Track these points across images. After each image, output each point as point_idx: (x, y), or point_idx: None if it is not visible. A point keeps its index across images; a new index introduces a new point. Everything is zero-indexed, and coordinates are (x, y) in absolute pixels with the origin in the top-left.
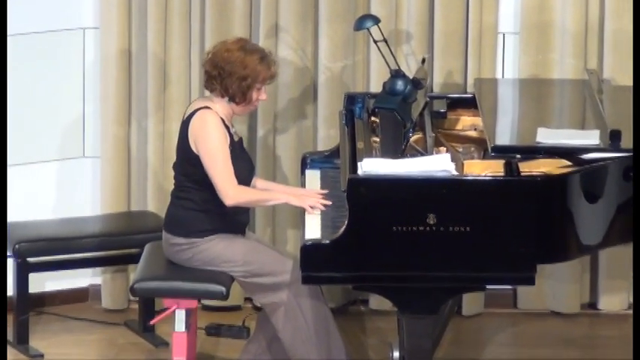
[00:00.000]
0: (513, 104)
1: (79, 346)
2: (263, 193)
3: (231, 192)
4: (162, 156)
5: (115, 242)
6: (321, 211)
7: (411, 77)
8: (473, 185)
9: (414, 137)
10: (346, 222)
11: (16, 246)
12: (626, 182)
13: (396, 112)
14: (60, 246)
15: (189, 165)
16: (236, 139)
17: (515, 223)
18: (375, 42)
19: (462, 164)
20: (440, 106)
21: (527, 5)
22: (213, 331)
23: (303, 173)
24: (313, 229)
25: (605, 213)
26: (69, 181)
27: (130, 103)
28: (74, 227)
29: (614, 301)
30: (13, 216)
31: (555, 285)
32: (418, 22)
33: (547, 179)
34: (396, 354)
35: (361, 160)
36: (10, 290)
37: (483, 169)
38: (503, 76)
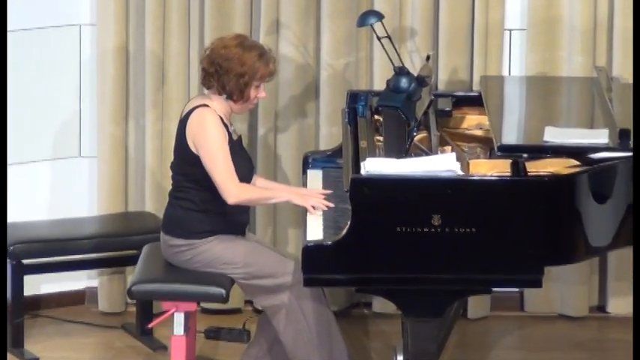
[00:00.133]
0: (520, 102)
1: (76, 350)
2: (265, 191)
3: (233, 190)
4: (160, 155)
5: (112, 244)
6: (324, 212)
7: (415, 75)
8: (479, 185)
9: (418, 136)
10: (349, 223)
11: (11, 247)
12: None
13: (400, 110)
14: (56, 247)
15: (187, 164)
16: (235, 137)
17: (522, 224)
18: (379, 38)
19: (468, 164)
20: (445, 105)
21: (534, 1)
22: (213, 334)
23: (304, 173)
24: (315, 230)
25: (614, 214)
26: (65, 181)
27: (128, 102)
28: (70, 228)
29: (623, 303)
30: (7, 217)
31: (563, 287)
32: (423, 18)
33: (555, 179)
34: (400, 358)
35: (364, 160)
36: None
37: (489, 169)
38: (509, 74)
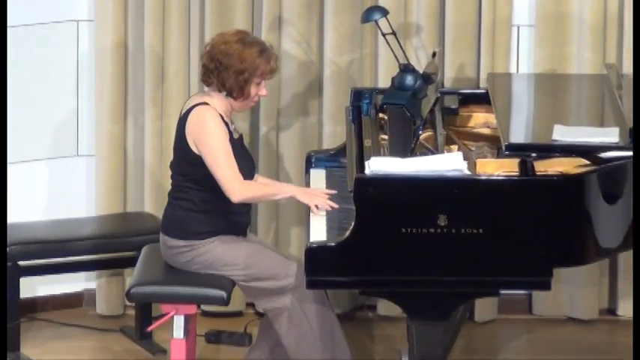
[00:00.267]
0: (528, 100)
1: (73, 354)
2: (270, 187)
3: (237, 188)
4: (159, 154)
5: (111, 245)
6: (327, 212)
7: (421, 72)
8: (486, 185)
9: (424, 135)
10: (353, 223)
11: (7, 249)
12: None
13: (405, 108)
14: (53, 249)
15: (187, 164)
16: (236, 136)
17: (531, 224)
18: (384, 35)
19: (475, 163)
20: (451, 102)
21: None
22: (214, 338)
23: (307, 172)
24: (318, 231)
25: (625, 214)
26: (62, 180)
27: (126, 99)
28: (67, 229)
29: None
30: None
31: (572, 290)
32: (428, 14)
33: (564, 179)
34: None
35: (369, 159)
36: None
37: (497, 169)
38: (517, 71)
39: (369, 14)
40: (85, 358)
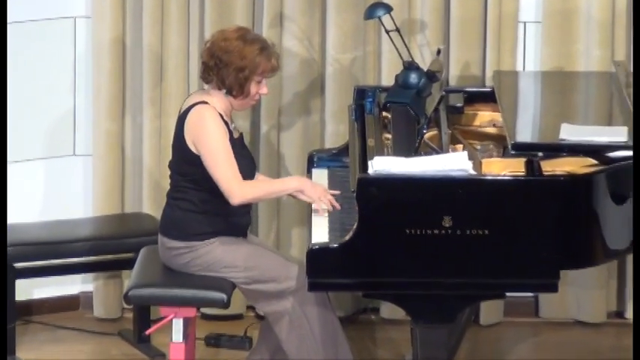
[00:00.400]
0: (535, 98)
1: (70, 358)
2: (271, 183)
3: (236, 190)
4: (158, 154)
5: (108, 246)
6: (329, 213)
7: (425, 69)
8: (492, 185)
9: (428, 134)
10: (356, 224)
11: (7, 249)
12: None
13: (409, 106)
14: (49, 250)
15: (185, 164)
16: (236, 135)
17: (537, 226)
18: (387, 32)
19: (480, 163)
20: (456, 101)
21: None
22: (213, 341)
23: (309, 172)
24: (320, 232)
25: (634, 215)
26: (58, 180)
27: (124, 97)
28: (64, 230)
29: None
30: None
31: (580, 292)
32: (433, 11)
33: (571, 179)
34: None
35: (372, 159)
36: None
37: (503, 168)
38: (524, 69)
39: (372, 11)
40: None
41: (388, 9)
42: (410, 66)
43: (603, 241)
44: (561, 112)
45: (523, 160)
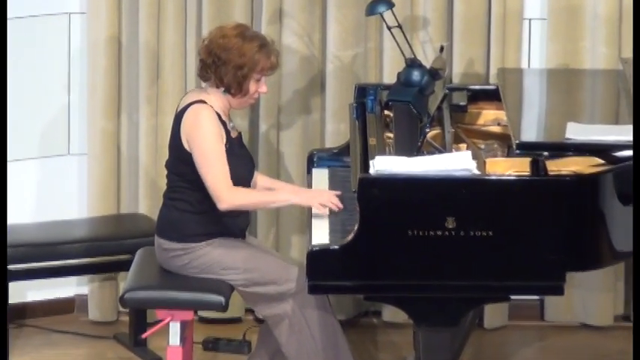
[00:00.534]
0: (540, 97)
1: None
2: (263, 194)
3: (224, 194)
4: (154, 153)
5: (104, 248)
6: (330, 214)
7: (428, 67)
8: (496, 186)
9: (431, 133)
10: (357, 226)
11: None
12: None
13: (411, 105)
14: (43, 252)
15: (182, 163)
16: (234, 135)
17: (543, 227)
18: (389, 28)
19: (484, 162)
20: (460, 99)
21: None
22: (211, 345)
23: (309, 172)
24: (321, 234)
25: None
26: (52, 180)
27: (120, 95)
28: (58, 231)
29: None
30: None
31: (586, 295)
32: (436, 7)
33: (577, 179)
34: None
35: (373, 158)
36: None
37: (507, 168)
38: (529, 66)
39: (373, 7)
40: None
41: (390, 5)
42: (412, 63)
43: (610, 243)
44: (567, 111)
45: (528, 159)
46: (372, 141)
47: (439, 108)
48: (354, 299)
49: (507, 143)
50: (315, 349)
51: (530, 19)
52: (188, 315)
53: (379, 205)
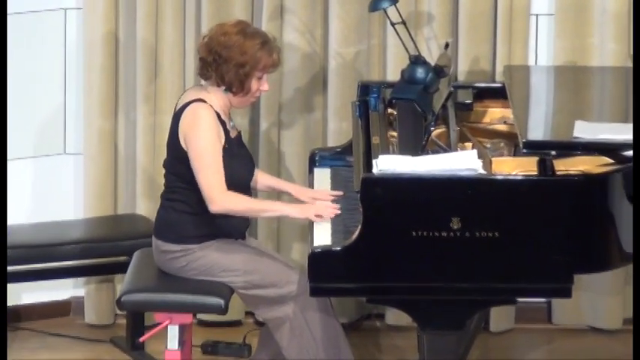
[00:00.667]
0: (548, 94)
1: None
2: (256, 201)
3: (217, 197)
4: (152, 153)
5: (100, 249)
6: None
7: (432, 64)
8: (502, 185)
9: (436, 131)
10: (360, 226)
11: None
12: None
13: (415, 103)
14: (38, 254)
15: (180, 163)
16: (233, 134)
17: (550, 228)
18: (393, 24)
19: (490, 162)
20: (465, 97)
21: None
22: (210, 349)
23: (311, 172)
24: (323, 235)
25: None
26: (48, 180)
27: (117, 94)
28: (54, 232)
29: None
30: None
31: (595, 298)
32: (441, 2)
33: (585, 179)
34: None
35: (377, 158)
36: None
37: (514, 168)
38: (536, 63)
39: (377, 2)
40: None
41: (394, 0)
42: (416, 60)
43: (619, 244)
44: (575, 109)
45: (535, 159)
46: (375, 140)
47: (444, 106)
48: (356, 302)
49: (514, 142)
50: (317, 353)
51: (537, 15)
52: (187, 318)
53: (383, 206)
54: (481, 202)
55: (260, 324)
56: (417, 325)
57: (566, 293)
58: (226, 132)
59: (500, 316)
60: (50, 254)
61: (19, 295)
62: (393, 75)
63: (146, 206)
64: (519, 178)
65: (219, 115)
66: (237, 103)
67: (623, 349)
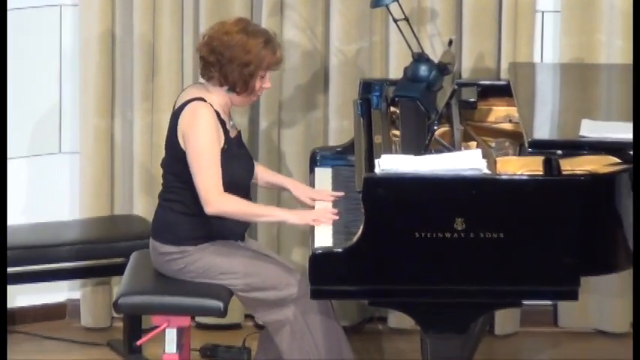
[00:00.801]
0: (553, 92)
1: None
2: (253, 205)
3: (213, 198)
4: (150, 152)
5: (96, 251)
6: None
7: (436, 61)
8: (507, 186)
9: (439, 130)
10: (361, 227)
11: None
12: None
13: (418, 101)
14: (33, 255)
15: (178, 163)
16: (233, 134)
17: (556, 229)
18: (395, 21)
19: (495, 161)
20: (469, 95)
21: None
22: (209, 352)
23: (312, 171)
24: (324, 236)
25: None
26: (43, 180)
27: (114, 92)
28: (49, 233)
29: None
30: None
31: (601, 300)
32: None
33: (592, 179)
34: None
35: (379, 157)
36: None
37: (519, 168)
38: (541, 60)
39: None
40: None
41: None
42: (420, 58)
43: (626, 246)
44: (582, 107)
45: (541, 158)
46: (377, 139)
47: (448, 104)
48: (358, 304)
49: (519, 141)
50: (318, 357)
51: (543, 12)
52: (185, 321)
53: (385, 206)
54: (485, 202)
55: (260, 327)
56: (420, 328)
57: (573, 296)
58: (226, 131)
59: (505, 319)
60: (46, 255)
61: (14, 297)
62: (395, 73)
63: (143, 207)
64: (524, 178)
65: (218, 115)
66: (239, 102)
67: (630, 353)
